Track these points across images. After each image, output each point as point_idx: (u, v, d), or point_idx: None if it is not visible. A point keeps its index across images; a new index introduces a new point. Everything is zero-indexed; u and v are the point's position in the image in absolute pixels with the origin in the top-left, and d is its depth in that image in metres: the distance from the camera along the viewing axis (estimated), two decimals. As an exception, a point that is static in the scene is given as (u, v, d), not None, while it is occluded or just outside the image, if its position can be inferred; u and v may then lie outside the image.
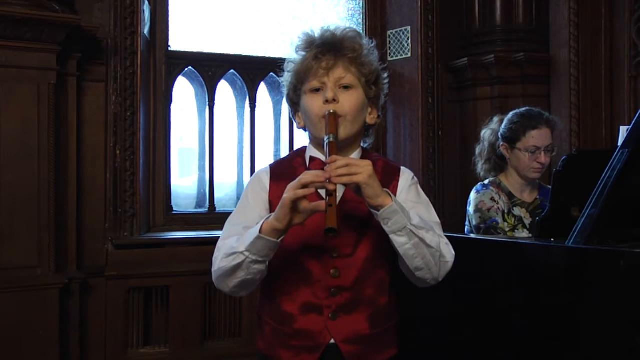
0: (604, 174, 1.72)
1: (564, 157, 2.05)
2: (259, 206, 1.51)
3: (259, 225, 1.37)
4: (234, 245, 1.40)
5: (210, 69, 3.58)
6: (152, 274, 3.17)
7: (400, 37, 3.80)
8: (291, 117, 1.61)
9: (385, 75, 1.57)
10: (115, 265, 3.11)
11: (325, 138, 1.40)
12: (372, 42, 1.54)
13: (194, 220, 3.50)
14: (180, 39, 3.52)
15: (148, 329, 3.24)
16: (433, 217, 1.52)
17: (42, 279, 2.78)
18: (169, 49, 3.44)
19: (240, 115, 3.75)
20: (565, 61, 3.57)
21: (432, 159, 3.75)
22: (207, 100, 3.59)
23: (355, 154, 1.53)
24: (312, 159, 1.54)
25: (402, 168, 1.57)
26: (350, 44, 1.48)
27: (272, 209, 1.49)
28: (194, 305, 3.21)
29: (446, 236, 1.46)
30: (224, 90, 3.72)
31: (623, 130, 2.14)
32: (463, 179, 3.76)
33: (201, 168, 3.67)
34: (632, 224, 1.79)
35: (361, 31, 3.91)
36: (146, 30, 3.28)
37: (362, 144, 1.58)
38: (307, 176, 1.33)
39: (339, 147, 1.42)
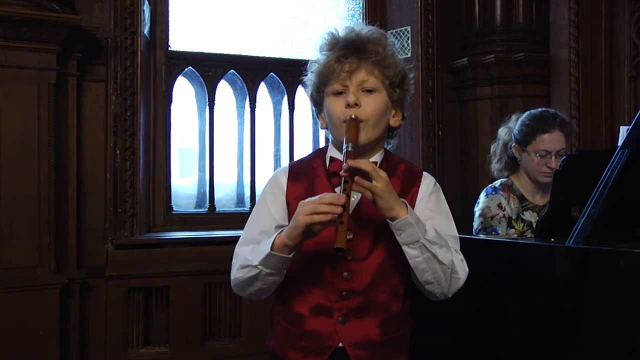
0: (604, 174, 1.72)
1: (564, 157, 2.05)
2: (276, 208, 1.50)
3: (271, 241, 1.36)
4: (249, 258, 1.40)
5: (210, 69, 3.58)
6: (152, 274, 3.17)
7: (400, 37, 3.80)
8: (315, 116, 1.60)
9: (412, 75, 1.55)
10: (115, 265, 3.11)
11: (344, 146, 1.39)
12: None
13: (194, 220, 3.50)
14: (180, 39, 3.52)
15: (148, 329, 3.24)
16: (451, 230, 1.51)
17: (42, 279, 2.78)
18: (169, 49, 3.44)
19: (240, 115, 3.75)
20: (565, 61, 3.57)
21: (432, 159, 3.74)
22: (207, 100, 3.59)
23: (377, 156, 1.52)
24: (332, 159, 1.52)
25: (425, 173, 1.55)
26: (373, 46, 1.45)
27: (289, 209, 1.49)
28: (194, 305, 3.21)
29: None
30: (224, 90, 3.71)
31: (623, 130, 2.14)
32: (463, 179, 3.76)
33: (201, 168, 3.66)
34: (632, 224, 1.79)
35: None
36: (146, 30, 3.28)
37: (385, 146, 1.56)
38: (324, 207, 1.30)
39: (362, 151, 1.42)
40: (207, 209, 3.57)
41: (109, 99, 3.13)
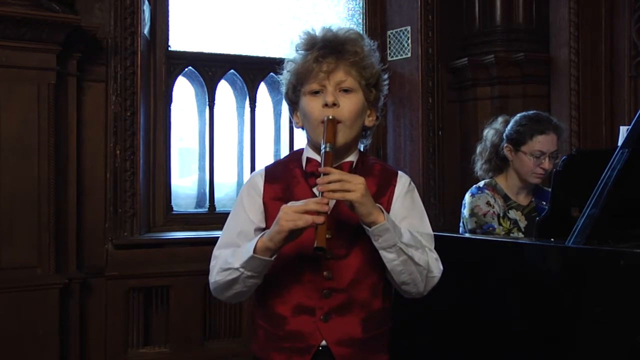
0: (604, 174, 1.72)
1: (564, 157, 2.05)
2: (253, 211, 1.51)
3: (253, 243, 1.37)
4: (230, 261, 1.42)
5: (210, 69, 3.58)
6: (152, 274, 3.17)
7: (400, 37, 3.80)
8: (289, 115, 1.60)
9: (386, 76, 1.55)
10: (115, 265, 3.11)
11: (322, 147, 1.39)
12: (373, 44, 1.52)
13: (194, 220, 3.50)
14: (180, 39, 3.52)
15: (148, 329, 3.24)
16: (425, 228, 1.51)
17: (42, 279, 2.78)
18: (169, 49, 3.44)
19: (240, 115, 3.75)
20: (565, 61, 3.57)
21: (432, 159, 3.74)
22: (207, 100, 3.59)
23: (353, 157, 1.52)
24: (308, 160, 1.52)
25: (400, 172, 1.56)
26: (352, 46, 1.46)
27: (266, 211, 1.50)
28: (194, 305, 3.21)
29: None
30: (224, 90, 3.72)
31: (623, 130, 2.14)
32: (463, 179, 3.76)
33: (201, 168, 3.67)
34: (632, 224, 1.79)
35: (361, 31, 3.91)
36: (146, 30, 3.28)
37: (359, 146, 1.56)
38: (307, 216, 1.30)
39: (337, 152, 1.42)
40: (207, 209, 3.57)
41: (109, 99, 3.13)
